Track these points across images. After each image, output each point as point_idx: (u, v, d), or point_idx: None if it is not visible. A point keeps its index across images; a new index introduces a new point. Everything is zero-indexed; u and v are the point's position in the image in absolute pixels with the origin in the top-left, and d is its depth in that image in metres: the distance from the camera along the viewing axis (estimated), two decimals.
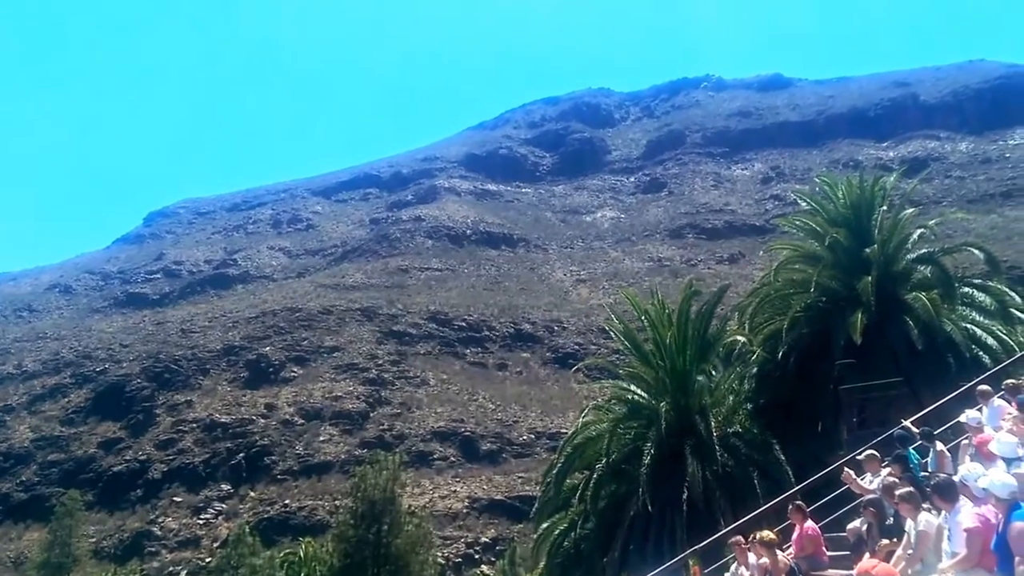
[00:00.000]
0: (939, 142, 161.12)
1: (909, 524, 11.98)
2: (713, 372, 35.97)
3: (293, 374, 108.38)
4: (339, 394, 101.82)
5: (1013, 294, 35.39)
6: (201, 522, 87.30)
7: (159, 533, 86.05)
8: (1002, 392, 16.79)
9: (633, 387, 35.28)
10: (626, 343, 37.42)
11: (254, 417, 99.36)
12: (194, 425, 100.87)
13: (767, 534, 15.24)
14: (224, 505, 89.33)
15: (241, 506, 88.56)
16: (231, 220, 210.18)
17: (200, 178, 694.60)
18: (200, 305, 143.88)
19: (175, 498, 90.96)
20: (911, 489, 12.33)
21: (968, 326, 32.50)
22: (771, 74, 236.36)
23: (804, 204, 42.84)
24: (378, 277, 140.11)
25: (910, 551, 11.80)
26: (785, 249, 41.84)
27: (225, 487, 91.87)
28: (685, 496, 29.31)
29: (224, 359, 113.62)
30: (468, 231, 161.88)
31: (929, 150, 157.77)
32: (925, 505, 12.18)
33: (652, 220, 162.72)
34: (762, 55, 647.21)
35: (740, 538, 17.08)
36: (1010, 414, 14.86)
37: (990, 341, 31.47)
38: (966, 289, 35.53)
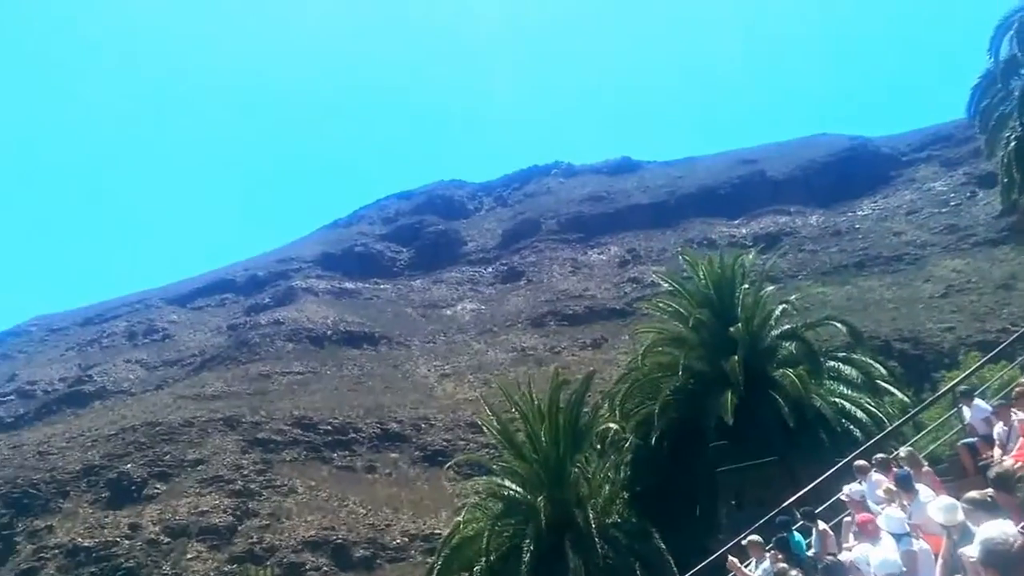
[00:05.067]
0: (789, 217, 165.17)
1: None
2: (588, 461, 35.70)
3: (156, 491, 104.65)
4: (205, 508, 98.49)
5: (877, 365, 36.06)
6: None
7: None
8: (875, 467, 16.77)
9: (508, 482, 34.79)
10: (499, 437, 36.96)
11: (118, 539, 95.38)
12: (56, 551, 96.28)
13: None
14: None
15: None
16: (85, 335, 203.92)
17: (51, 293, 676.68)
18: (57, 425, 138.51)
19: None
20: None
21: (837, 400, 32.87)
22: (620, 158, 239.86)
23: (665, 285, 43.13)
24: (239, 384, 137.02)
25: None
26: (650, 332, 41.94)
27: None
28: None
29: (84, 479, 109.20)
30: (328, 331, 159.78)
31: (780, 225, 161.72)
32: None
33: (513, 309, 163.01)
34: (610, 139, 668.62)
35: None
36: (887, 488, 14.70)
37: (860, 414, 31.84)
38: (832, 363, 36.03)
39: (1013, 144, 38.19)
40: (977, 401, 19.53)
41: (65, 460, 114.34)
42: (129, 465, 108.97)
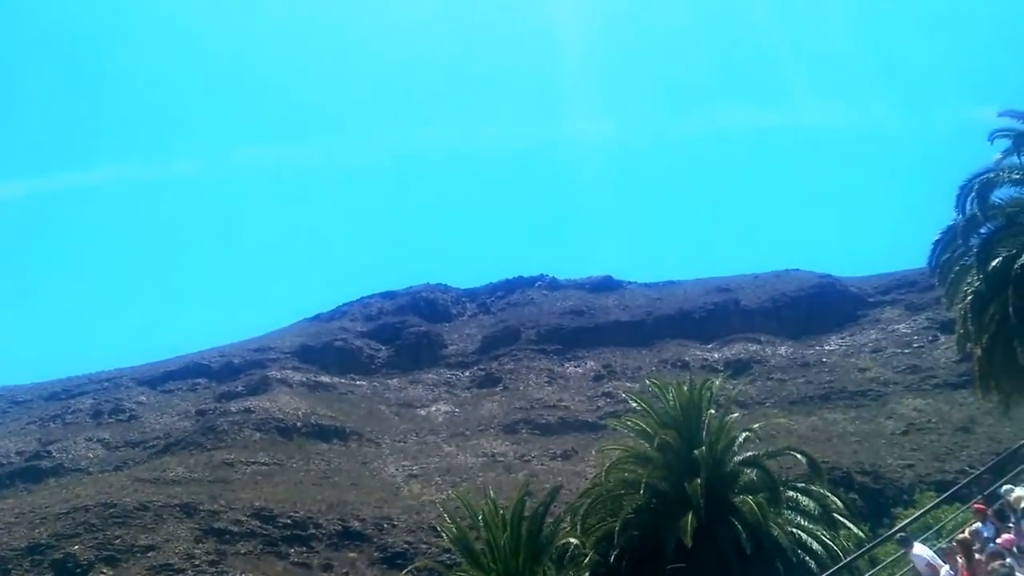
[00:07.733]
0: (760, 345, 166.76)
1: None
2: (546, 574, 35.75)
3: (102, 575, 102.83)
4: None
5: (835, 498, 36.47)
6: None
7: None
8: None
9: None
10: (458, 546, 37.02)
11: None
12: None
13: None
14: None
15: None
16: (48, 410, 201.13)
17: (18, 365, 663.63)
18: (7, 500, 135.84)
19: None
20: None
21: (794, 530, 33.21)
22: (602, 276, 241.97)
23: (635, 404, 43.58)
24: (201, 471, 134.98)
25: None
26: (616, 449, 42.30)
27: None
28: None
29: (28, 558, 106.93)
30: (299, 423, 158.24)
31: (751, 353, 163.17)
32: None
33: (486, 415, 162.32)
34: (594, 258, 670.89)
35: None
36: None
37: (815, 546, 32.19)
38: (791, 492, 36.42)
39: (971, 297, 39.32)
40: (917, 547, 20.05)
41: (11, 536, 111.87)
42: (77, 547, 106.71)
